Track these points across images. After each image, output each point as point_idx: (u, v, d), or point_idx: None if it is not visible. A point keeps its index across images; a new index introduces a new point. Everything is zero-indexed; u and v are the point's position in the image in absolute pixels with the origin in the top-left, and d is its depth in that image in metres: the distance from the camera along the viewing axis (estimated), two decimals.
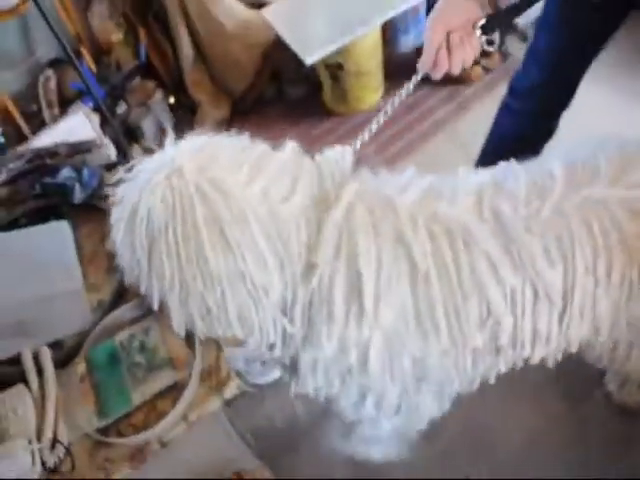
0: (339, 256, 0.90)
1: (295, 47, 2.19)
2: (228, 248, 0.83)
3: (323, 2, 2.38)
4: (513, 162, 1.05)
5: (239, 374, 1.68)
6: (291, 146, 0.96)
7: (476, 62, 2.54)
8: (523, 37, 2.66)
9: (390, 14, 2.23)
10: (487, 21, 1.10)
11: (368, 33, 2.27)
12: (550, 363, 1.08)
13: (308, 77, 2.58)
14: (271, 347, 0.98)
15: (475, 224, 0.93)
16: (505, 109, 1.71)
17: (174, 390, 1.07)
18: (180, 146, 0.89)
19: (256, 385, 1.67)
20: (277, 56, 2.54)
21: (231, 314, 0.88)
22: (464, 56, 1.10)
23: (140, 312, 1.18)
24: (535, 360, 1.03)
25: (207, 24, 2.48)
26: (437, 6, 1.09)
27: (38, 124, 2.67)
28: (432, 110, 2.47)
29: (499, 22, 1.13)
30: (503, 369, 1.05)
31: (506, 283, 0.93)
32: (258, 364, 1.71)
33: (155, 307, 0.90)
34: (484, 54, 2.60)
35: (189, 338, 1.11)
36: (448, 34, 1.07)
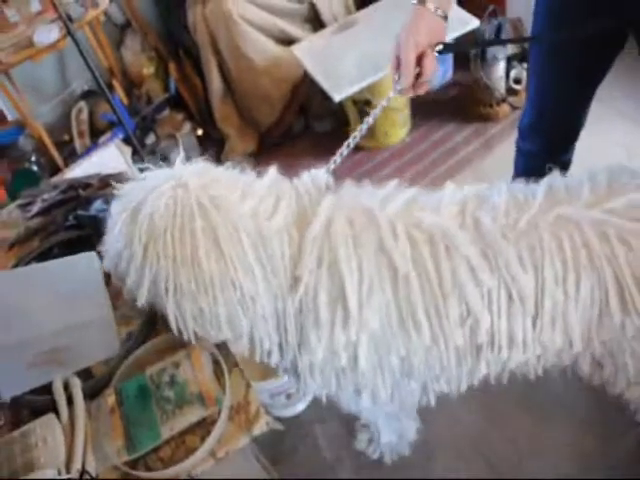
0: (321, 267, 0.98)
1: (324, 84, 2.23)
2: (221, 256, 0.92)
3: (352, 40, 2.43)
4: (501, 182, 1.11)
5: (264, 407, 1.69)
6: (272, 171, 1.06)
7: (503, 100, 2.56)
8: None
9: None
10: (445, 46, 1.19)
11: None
12: (531, 374, 1.14)
13: (335, 112, 2.62)
14: (268, 354, 1.07)
15: (456, 231, 1.00)
16: (517, 150, 1.74)
17: (203, 425, 1.06)
18: (188, 166, 1.00)
19: (279, 418, 1.67)
20: (305, 91, 2.58)
21: (221, 317, 0.95)
22: (430, 72, 1.18)
23: (171, 345, 1.19)
24: (512, 364, 1.09)
25: (237, 59, 2.54)
26: (406, 24, 1.16)
27: (69, 153, 2.73)
28: (458, 148, 2.48)
29: (454, 49, 1.27)
30: (484, 371, 1.11)
31: (484, 284, 1.00)
32: (283, 397, 1.71)
33: (141, 303, 0.97)
34: (511, 92, 2.63)
35: (219, 373, 1.12)
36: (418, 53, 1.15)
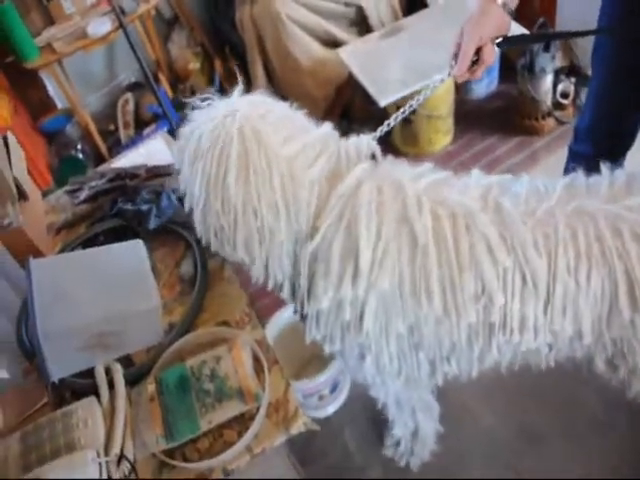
0: (340, 222, 1.03)
1: (370, 89, 2.22)
2: (248, 185, 0.98)
3: (399, 46, 2.42)
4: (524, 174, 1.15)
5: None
6: (326, 125, 1.12)
7: (549, 114, 2.53)
8: None
9: None
10: (504, 39, 1.21)
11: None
12: (542, 364, 1.16)
13: (377, 117, 2.61)
14: (280, 287, 1.11)
15: (478, 211, 1.04)
16: (569, 154, 1.75)
17: (241, 420, 1.07)
18: (245, 98, 1.07)
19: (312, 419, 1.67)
20: (348, 94, 2.58)
21: (239, 239, 1.02)
22: (488, 59, 1.21)
23: (212, 338, 1.20)
24: (524, 349, 1.09)
25: (283, 59, 2.55)
26: (472, 15, 1.19)
27: (113, 143, 2.77)
28: (500, 159, 2.45)
29: (514, 42, 1.26)
30: (496, 355, 1.12)
31: (499, 264, 1.02)
32: (315, 398, 1.71)
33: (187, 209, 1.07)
34: (558, 106, 2.59)
35: (259, 369, 1.12)
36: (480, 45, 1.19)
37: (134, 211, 1.44)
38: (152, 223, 1.41)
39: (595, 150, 1.63)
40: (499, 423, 1.67)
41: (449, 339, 1.10)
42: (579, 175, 1.12)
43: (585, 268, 1.02)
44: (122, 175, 1.60)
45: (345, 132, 2.74)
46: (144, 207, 1.43)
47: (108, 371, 1.16)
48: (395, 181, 1.07)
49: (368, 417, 1.73)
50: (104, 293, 1.19)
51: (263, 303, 1.91)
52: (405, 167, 1.13)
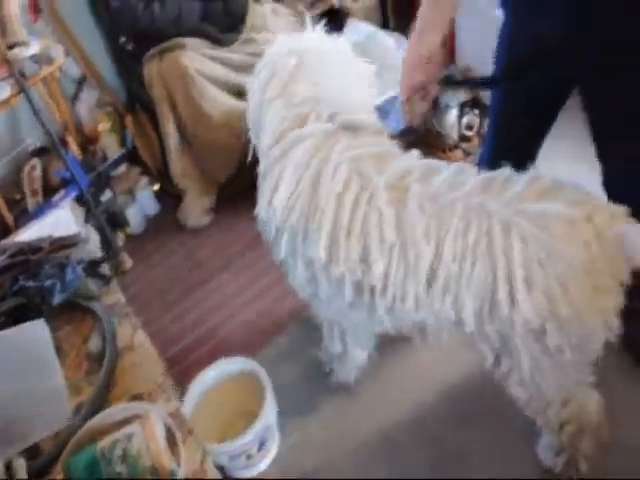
0: (278, 160, 1.31)
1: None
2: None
3: None
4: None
5: (223, 469, 1.64)
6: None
7: (456, 146, 2.62)
8: None
9: None
10: (444, 80, 1.44)
11: None
12: (435, 338, 1.32)
13: None
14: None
15: (382, 188, 1.19)
16: None
17: None
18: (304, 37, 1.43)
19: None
20: None
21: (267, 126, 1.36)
22: (422, 109, 1.45)
23: (124, 415, 1.15)
24: (408, 317, 1.26)
25: (194, 114, 2.55)
26: (404, 69, 1.41)
27: (20, 212, 2.67)
28: None
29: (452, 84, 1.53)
30: (381, 313, 1.28)
31: (385, 240, 1.18)
32: (243, 458, 1.67)
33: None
34: (464, 138, 2.69)
35: (173, 442, 1.08)
36: (412, 91, 1.41)
37: (36, 288, 1.38)
38: (56, 299, 1.35)
39: None
40: None
41: (339, 289, 1.28)
42: (504, 171, 1.22)
43: (470, 259, 1.11)
44: (24, 250, 1.53)
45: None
46: (47, 283, 1.38)
47: (11, 465, 1.09)
48: (332, 145, 1.28)
49: (300, 471, 1.71)
50: (4, 381, 1.13)
51: (184, 365, 1.87)
52: (360, 140, 1.32)
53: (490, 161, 1.72)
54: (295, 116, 1.33)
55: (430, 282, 1.16)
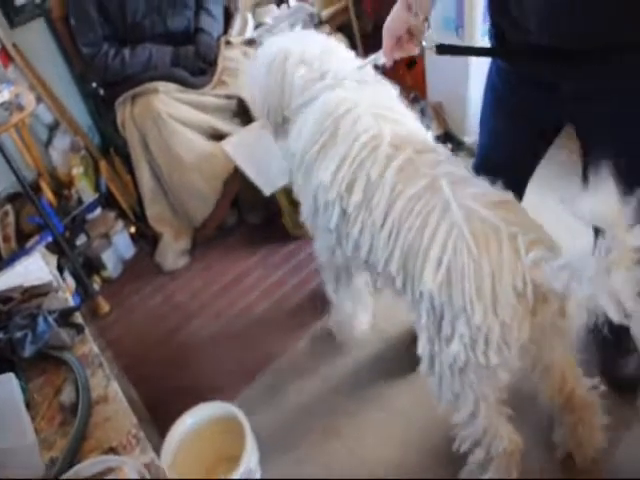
0: (305, 111, 1.63)
1: (255, 179, 2.26)
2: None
3: None
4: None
5: None
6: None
7: None
8: (472, 153, 2.81)
9: None
10: (440, 46, 1.49)
11: None
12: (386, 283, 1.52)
13: (267, 203, 2.64)
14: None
15: (387, 142, 1.44)
16: None
17: None
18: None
19: None
20: (236, 185, 2.60)
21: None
22: (409, 50, 1.51)
23: (98, 469, 1.12)
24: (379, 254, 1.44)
25: (167, 157, 2.55)
26: (386, 21, 1.49)
27: None
28: None
29: (448, 51, 1.54)
30: (356, 235, 1.48)
31: (371, 178, 1.42)
32: None
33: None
34: None
35: None
36: (397, 38, 1.49)
37: (7, 340, 1.35)
38: (27, 351, 1.32)
39: None
40: None
41: (330, 214, 1.53)
42: (484, 184, 1.37)
43: (409, 222, 1.33)
44: None
45: (237, 222, 2.88)
46: (18, 334, 1.35)
47: None
48: (353, 97, 1.55)
49: None
50: None
51: (163, 410, 1.84)
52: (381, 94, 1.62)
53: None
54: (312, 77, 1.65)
55: (382, 226, 1.39)
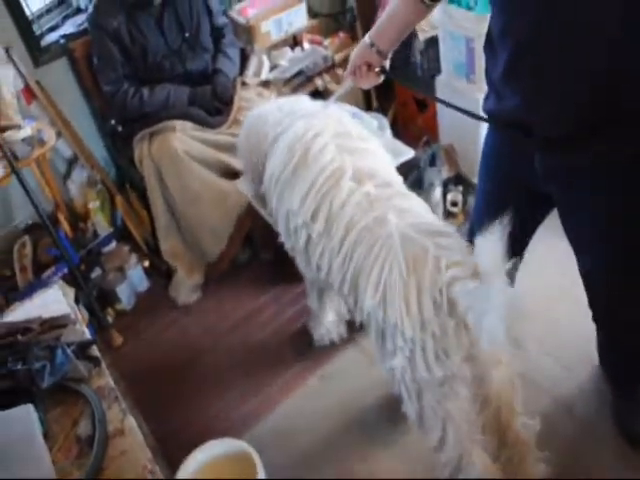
0: (278, 139, 1.82)
1: (268, 217, 2.28)
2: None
3: None
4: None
5: None
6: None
7: None
8: None
9: None
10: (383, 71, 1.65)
11: None
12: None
13: (279, 241, 2.66)
14: None
15: (349, 176, 1.59)
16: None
17: None
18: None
19: None
20: (250, 222, 2.64)
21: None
22: (369, 80, 1.66)
23: None
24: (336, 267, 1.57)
25: (182, 193, 2.60)
26: (352, 55, 1.65)
27: (9, 289, 2.67)
28: None
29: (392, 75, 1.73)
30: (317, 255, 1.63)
31: (333, 208, 1.55)
32: None
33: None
34: (449, 215, 2.74)
35: None
36: (356, 67, 1.64)
37: (25, 370, 1.37)
38: (46, 382, 1.35)
39: None
40: None
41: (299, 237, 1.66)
42: (429, 216, 1.53)
43: (361, 248, 1.46)
44: (13, 331, 1.53)
45: (249, 259, 2.89)
46: (37, 365, 1.37)
47: None
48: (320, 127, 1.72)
49: None
50: None
51: (176, 445, 1.84)
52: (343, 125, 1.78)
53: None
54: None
55: (338, 252, 1.52)
